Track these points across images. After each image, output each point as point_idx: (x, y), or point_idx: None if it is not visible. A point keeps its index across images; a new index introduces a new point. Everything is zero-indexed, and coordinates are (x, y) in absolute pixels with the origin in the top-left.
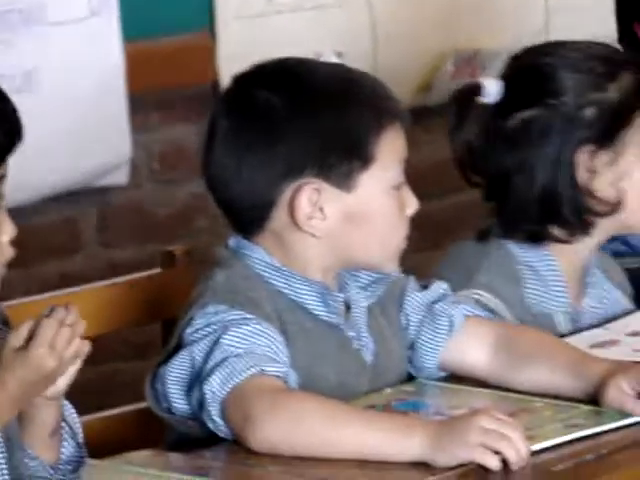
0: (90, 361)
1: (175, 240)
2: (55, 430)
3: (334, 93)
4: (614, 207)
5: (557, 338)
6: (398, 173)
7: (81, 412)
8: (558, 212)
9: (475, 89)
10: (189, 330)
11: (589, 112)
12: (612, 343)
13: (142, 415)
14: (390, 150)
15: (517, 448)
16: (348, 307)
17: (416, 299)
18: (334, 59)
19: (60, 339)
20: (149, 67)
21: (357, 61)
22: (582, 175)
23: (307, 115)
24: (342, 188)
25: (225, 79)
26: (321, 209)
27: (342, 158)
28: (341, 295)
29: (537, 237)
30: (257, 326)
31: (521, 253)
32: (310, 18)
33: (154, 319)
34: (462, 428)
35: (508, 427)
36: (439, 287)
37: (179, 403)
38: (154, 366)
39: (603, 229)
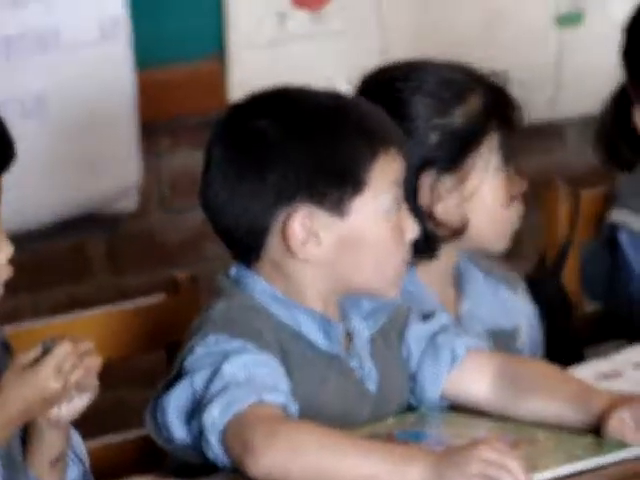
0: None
1: (184, 267)
2: (58, 458)
3: (325, 120)
4: (457, 232)
5: (560, 369)
6: (392, 197)
7: (86, 437)
8: None
9: None
10: (190, 359)
11: (433, 137)
12: (616, 375)
13: (145, 441)
14: (383, 175)
15: (517, 479)
16: (351, 337)
17: (418, 331)
18: (345, 87)
19: (67, 364)
20: (160, 93)
21: None
22: (425, 200)
23: (297, 142)
24: (335, 214)
25: None
26: (315, 235)
27: (333, 184)
28: (341, 326)
29: None
30: (257, 355)
31: None
32: (322, 45)
33: (158, 345)
34: (463, 459)
35: (508, 458)
36: (441, 318)
37: (179, 432)
38: (154, 395)
39: (458, 246)
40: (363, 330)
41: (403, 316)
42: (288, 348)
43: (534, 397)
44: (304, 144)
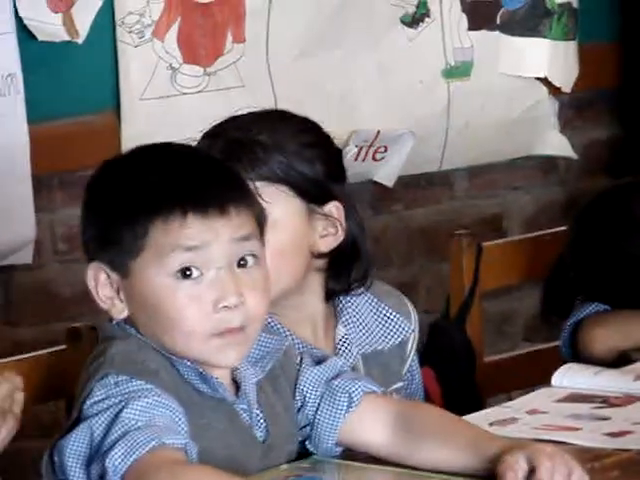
0: None
1: (79, 319)
2: None
3: (116, 185)
4: None
5: (455, 416)
6: (179, 262)
7: None
8: None
9: None
10: (89, 402)
11: None
12: (511, 421)
13: None
14: (163, 238)
15: None
16: (238, 384)
17: (313, 375)
18: None
19: (6, 403)
20: (54, 148)
21: None
22: None
23: (86, 209)
24: (120, 274)
25: None
26: (117, 292)
27: (114, 246)
28: (215, 376)
29: None
30: (156, 398)
31: None
32: (214, 99)
33: (59, 396)
34: None
35: None
36: (336, 363)
37: (77, 477)
38: (54, 439)
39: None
40: (250, 377)
41: (294, 361)
42: (179, 390)
43: (430, 443)
44: (89, 212)
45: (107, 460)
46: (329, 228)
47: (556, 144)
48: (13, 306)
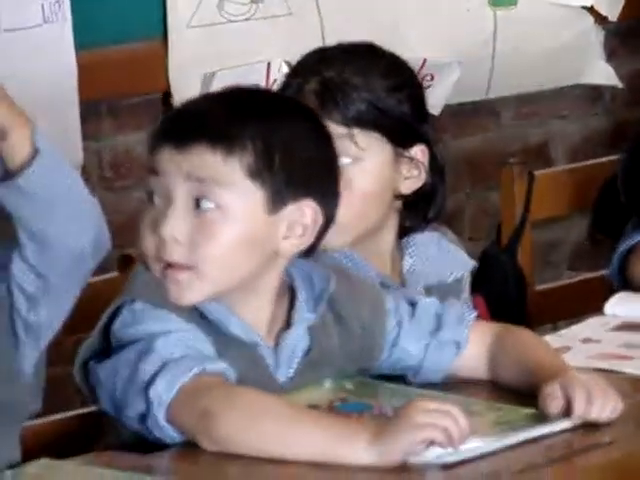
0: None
1: (126, 246)
2: None
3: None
4: None
5: (538, 339)
6: (148, 185)
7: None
8: None
9: None
10: (118, 323)
11: None
12: (564, 350)
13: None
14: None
15: (460, 424)
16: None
17: (413, 332)
18: (285, 69)
19: None
20: (101, 75)
21: None
22: None
23: None
24: None
25: (176, 88)
26: None
27: None
28: (239, 317)
29: None
30: (185, 332)
31: None
32: (262, 27)
33: None
34: (405, 414)
35: (446, 406)
36: (430, 308)
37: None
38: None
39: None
40: (303, 321)
41: (378, 299)
42: (200, 324)
43: (505, 364)
44: None
45: (150, 392)
46: (412, 170)
47: (602, 73)
48: None
